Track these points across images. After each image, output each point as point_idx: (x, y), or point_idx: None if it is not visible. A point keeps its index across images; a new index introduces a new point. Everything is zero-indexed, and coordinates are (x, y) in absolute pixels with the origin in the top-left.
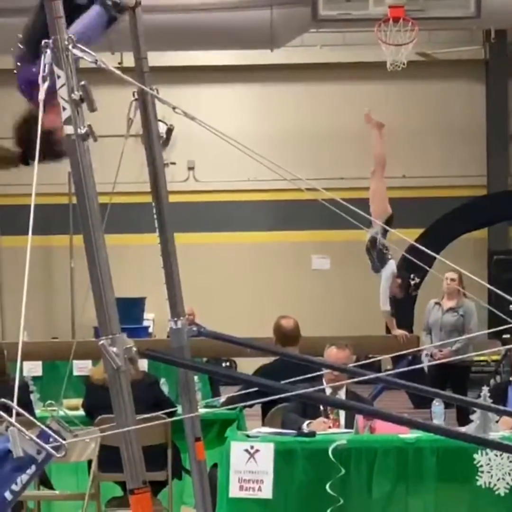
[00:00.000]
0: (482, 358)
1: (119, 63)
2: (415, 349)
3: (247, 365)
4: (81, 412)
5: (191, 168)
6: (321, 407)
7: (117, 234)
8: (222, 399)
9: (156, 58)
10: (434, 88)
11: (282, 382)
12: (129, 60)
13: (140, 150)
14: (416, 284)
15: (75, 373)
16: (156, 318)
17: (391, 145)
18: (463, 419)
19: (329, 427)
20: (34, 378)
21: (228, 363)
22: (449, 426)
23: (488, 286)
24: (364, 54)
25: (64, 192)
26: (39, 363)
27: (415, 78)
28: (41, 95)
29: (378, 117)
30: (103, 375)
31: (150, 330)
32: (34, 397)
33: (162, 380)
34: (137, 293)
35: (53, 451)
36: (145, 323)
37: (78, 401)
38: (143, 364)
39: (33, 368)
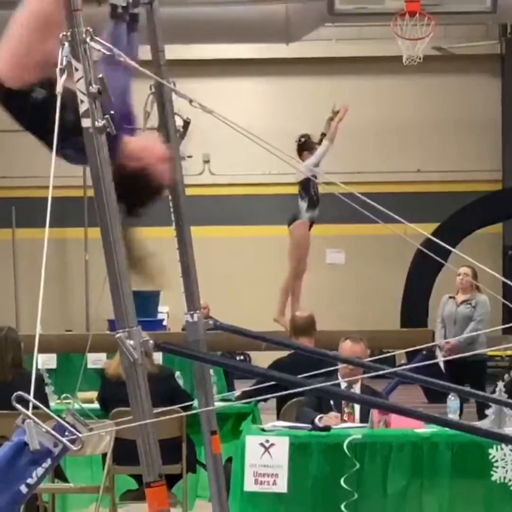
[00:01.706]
0: (496, 353)
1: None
2: (430, 344)
3: (261, 359)
4: (95, 405)
5: (206, 161)
6: (331, 402)
7: None
8: (237, 392)
9: (172, 52)
10: (450, 82)
11: (297, 376)
12: (145, 53)
13: None
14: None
15: (89, 366)
16: (170, 312)
17: (405, 139)
18: (482, 414)
19: (345, 421)
20: (48, 371)
21: (242, 357)
22: (468, 421)
23: (503, 279)
24: (380, 49)
25: (79, 185)
26: (54, 355)
27: (430, 73)
28: (59, 88)
29: (393, 111)
30: (117, 370)
31: (165, 323)
32: (48, 389)
33: (177, 374)
34: (151, 286)
35: (69, 444)
36: (160, 316)
37: (93, 394)
38: (158, 357)
39: (47, 361)
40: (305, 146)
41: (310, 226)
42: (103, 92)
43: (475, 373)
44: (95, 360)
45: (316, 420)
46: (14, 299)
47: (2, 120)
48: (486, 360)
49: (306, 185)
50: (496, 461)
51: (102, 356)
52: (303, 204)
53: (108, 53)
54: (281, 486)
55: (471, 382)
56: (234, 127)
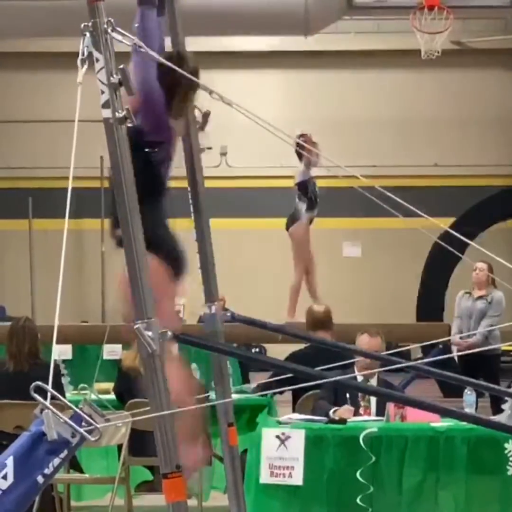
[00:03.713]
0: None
1: None
2: (446, 338)
3: (277, 351)
4: (111, 396)
5: (223, 154)
6: (347, 395)
7: None
8: (253, 385)
9: (191, 44)
10: (468, 77)
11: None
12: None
13: None
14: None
15: (105, 357)
16: (186, 304)
17: (423, 133)
18: (497, 409)
19: (361, 414)
20: (64, 362)
21: (257, 349)
22: (483, 415)
23: None
24: (398, 42)
25: (96, 176)
26: (69, 346)
27: (449, 67)
28: (80, 78)
29: (410, 105)
30: (133, 362)
31: (181, 315)
32: (64, 380)
33: (193, 365)
34: None
35: (87, 435)
36: (176, 308)
37: (108, 385)
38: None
39: (63, 352)
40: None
41: (310, 223)
42: (123, 82)
43: (489, 367)
44: (111, 351)
45: (331, 412)
46: (30, 289)
47: (18, 111)
48: (500, 354)
49: (304, 187)
50: None
51: (118, 347)
52: (302, 205)
53: (129, 44)
54: (297, 478)
55: (485, 377)
56: (254, 118)
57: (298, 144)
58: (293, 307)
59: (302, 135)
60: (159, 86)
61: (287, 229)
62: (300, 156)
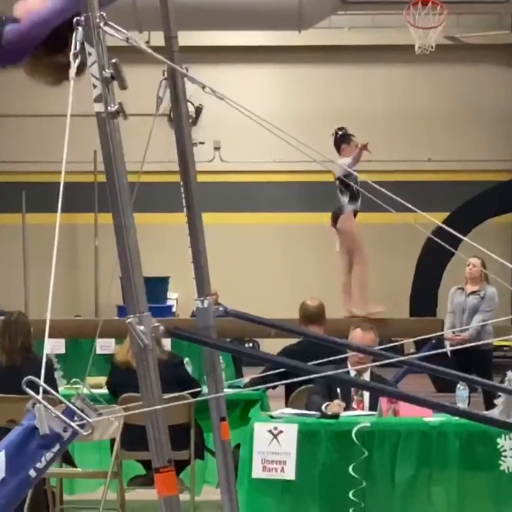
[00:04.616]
0: (504, 343)
1: (147, 42)
2: (439, 333)
3: (270, 346)
4: (104, 390)
5: (217, 148)
6: (338, 390)
7: (141, 213)
8: (246, 379)
9: (184, 38)
10: (462, 72)
11: (307, 363)
12: (156, 39)
13: (165, 130)
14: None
15: (98, 351)
16: (179, 298)
17: (416, 128)
18: (489, 404)
19: (354, 409)
20: (57, 356)
21: (251, 344)
22: (475, 410)
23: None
24: (392, 37)
25: (89, 170)
26: (62, 341)
27: (442, 62)
28: (72, 73)
29: (404, 100)
30: (126, 357)
31: (174, 309)
32: (57, 374)
33: (186, 360)
34: (161, 272)
35: (79, 429)
36: (169, 302)
37: (101, 379)
38: (167, 344)
39: (56, 346)
40: (343, 139)
41: (354, 216)
42: (116, 76)
43: (482, 362)
44: (104, 345)
45: (323, 407)
46: (23, 284)
47: (11, 105)
48: (493, 350)
49: (345, 181)
50: (505, 450)
51: (111, 341)
52: (344, 199)
53: (121, 38)
54: (289, 473)
55: (477, 372)
56: (246, 113)
57: (339, 138)
58: (363, 299)
59: (340, 129)
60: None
61: (333, 225)
62: (339, 149)
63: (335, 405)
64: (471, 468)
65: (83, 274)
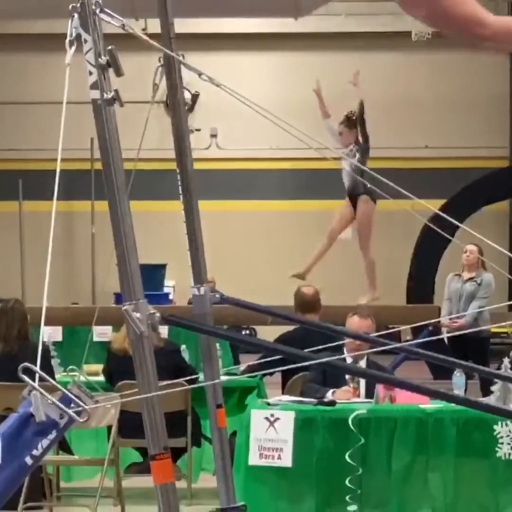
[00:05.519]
0: (501, 330)
1: (143, 29)
2: (435, 320)
3: (267, 333)
4: (101, 378)
5: (213, 136)
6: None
7: (137, 200)
8: (243, 366)
9: (181, 25)
10: (458, 59)
11: (303, 350)
12: (153, 26)
13: (161, 117)
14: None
15: (95, 339)
16: (176, 285)
17: (414, 115)
18: (486, 391)
19: (355, 396)
20: (54, 343)
21: (248, 331)
22: (472, 397)
23: (509, 254)
24: (389, 24)
25: (86, 158)
26: (59, 328)
27: (439, 49)
28: (68, 60)
29: (401, 87)
30: (123, 344)
31: (171, 297)
32: (54, 362)
33: (183, 347)
34: (157, 259)
35: (75, 416)
36: (166, 290)
37: (98, 367)
38: (164, 331)
39: (53, 333)
40: (354, 123)
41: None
42: (111, 63)
43: (479, 349)
44: (101, 333)
45: (329, 394)
46: (20, 271)
47: (8, 92)
48: (490, 336)
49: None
50: (501, 437)
51: (108, 329)
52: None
53: (117, 25)
54: (286, 460)
55: (474, 359)
56: (243, 100)
57: (354, 120)
58: (373, 283)
59: (352, 113)
60: None
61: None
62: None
63: (344, 392)
64: (467, 455)
65: (80, 262)
